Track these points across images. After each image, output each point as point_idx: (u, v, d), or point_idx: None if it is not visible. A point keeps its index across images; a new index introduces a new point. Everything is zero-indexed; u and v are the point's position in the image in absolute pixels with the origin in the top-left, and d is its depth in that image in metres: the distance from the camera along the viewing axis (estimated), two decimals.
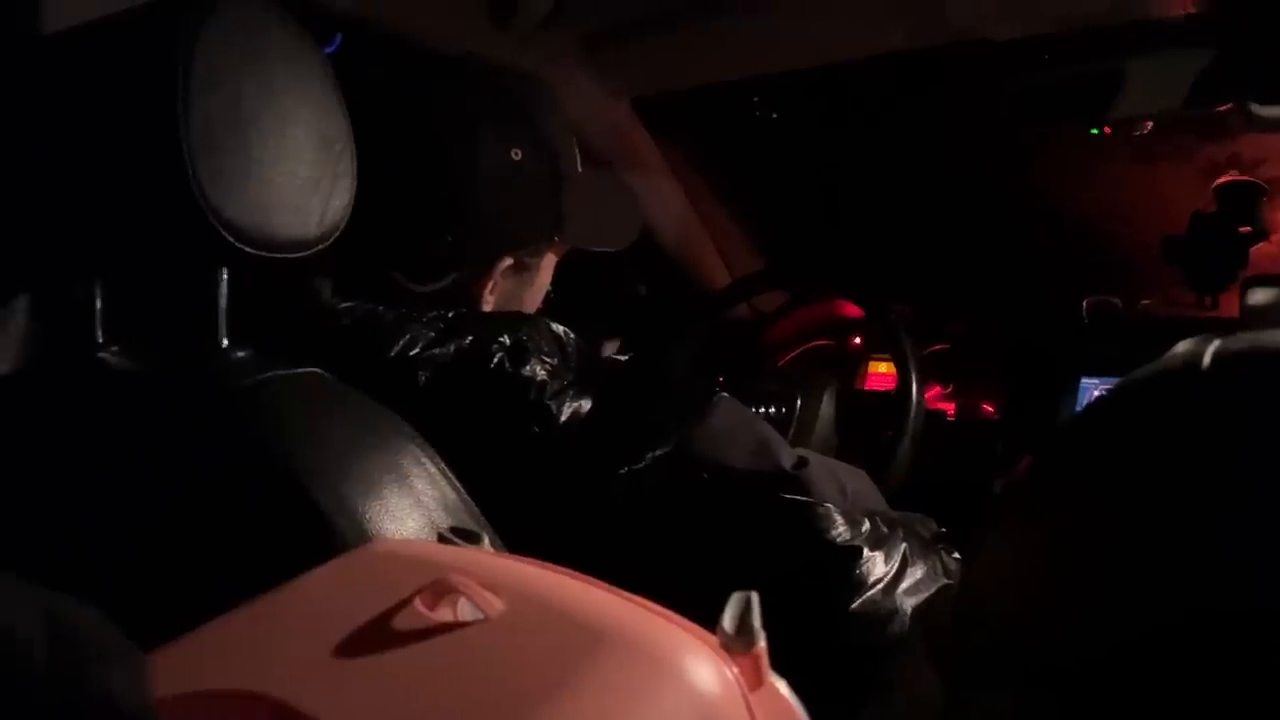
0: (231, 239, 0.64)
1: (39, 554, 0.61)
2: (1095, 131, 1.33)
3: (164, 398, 0.67)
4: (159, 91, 0.61)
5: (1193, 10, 1.14)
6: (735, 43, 1.37)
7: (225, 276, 0.70)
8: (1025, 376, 1.59)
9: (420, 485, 0.65)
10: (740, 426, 0.80)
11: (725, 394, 0.82)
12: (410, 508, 0.63)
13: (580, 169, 1.02)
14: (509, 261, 0.97)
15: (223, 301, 0.69)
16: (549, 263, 1.02)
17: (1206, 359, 0.39)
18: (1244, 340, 0.39)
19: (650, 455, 0.76)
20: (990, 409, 1.62)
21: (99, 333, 0.73)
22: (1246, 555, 0.36)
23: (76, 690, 0.26)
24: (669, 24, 1.34)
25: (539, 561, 0.45)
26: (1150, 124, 1.30)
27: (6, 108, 0.76)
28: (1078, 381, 1.52)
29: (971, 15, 1.11)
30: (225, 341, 0.69)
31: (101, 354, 0.72)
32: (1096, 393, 1.51)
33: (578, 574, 0.44)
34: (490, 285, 0.96)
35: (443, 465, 0.67)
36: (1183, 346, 0.41)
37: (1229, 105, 1.23)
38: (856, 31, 1.26)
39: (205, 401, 0.65)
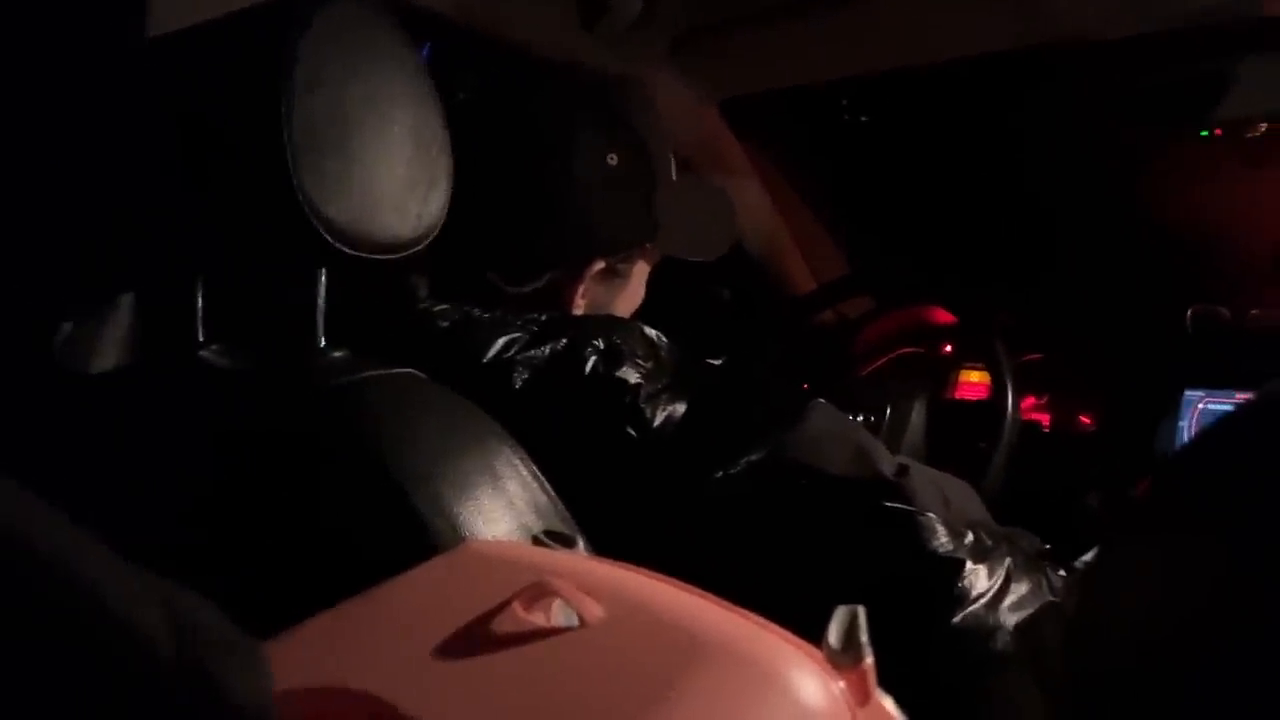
0: (331, 239, 0.65)
1: (144, 547, 0.63)
2: (1205, 134, 1.27)
3: (262, 396, 0.68)
4: (263, 91, 0.62)
5: None
6: (828, 42, 1.35)
7: (324, 276, 0.70)
8: (1125, 388, 1.54)
9: (513, 487, 0.64)
10: (838, 432, 0.78)
11: (821, 399, 0.80)
12: (503, 510, 0.63)
13: (675, 176, 1.02)
14: (601, 265, 0.97)
15: (321, 301, 0.70)
16: (641, 270, 1.01)
17: None
18: None
19: (745, 460, 0.75)
20: (1088, 421, 1.57)
21: (200, 331, 0.75)
22: None
23: (202, 684, 0.26)
24: (759, 23, 1.33)
25: (635, 567, 0.44)
26: (1264, 126, 1.24)
27: (116, 109, 0.78)
28: (1181, 394, 1.46)
29: (1081, 13, 1.07)
30: (323, 341, 0.69)
31: (203, 352, 0.74)
32: (1201, 406, 1.44)
33: (674, 580, 0.43)
34: (582, 289, 0.96)
35: (535, 468, 0.67)
36: None
37: None
38: (957, 30, 1.22)
39: (302, 400, 0.66)
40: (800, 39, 1.32)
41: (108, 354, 0.83)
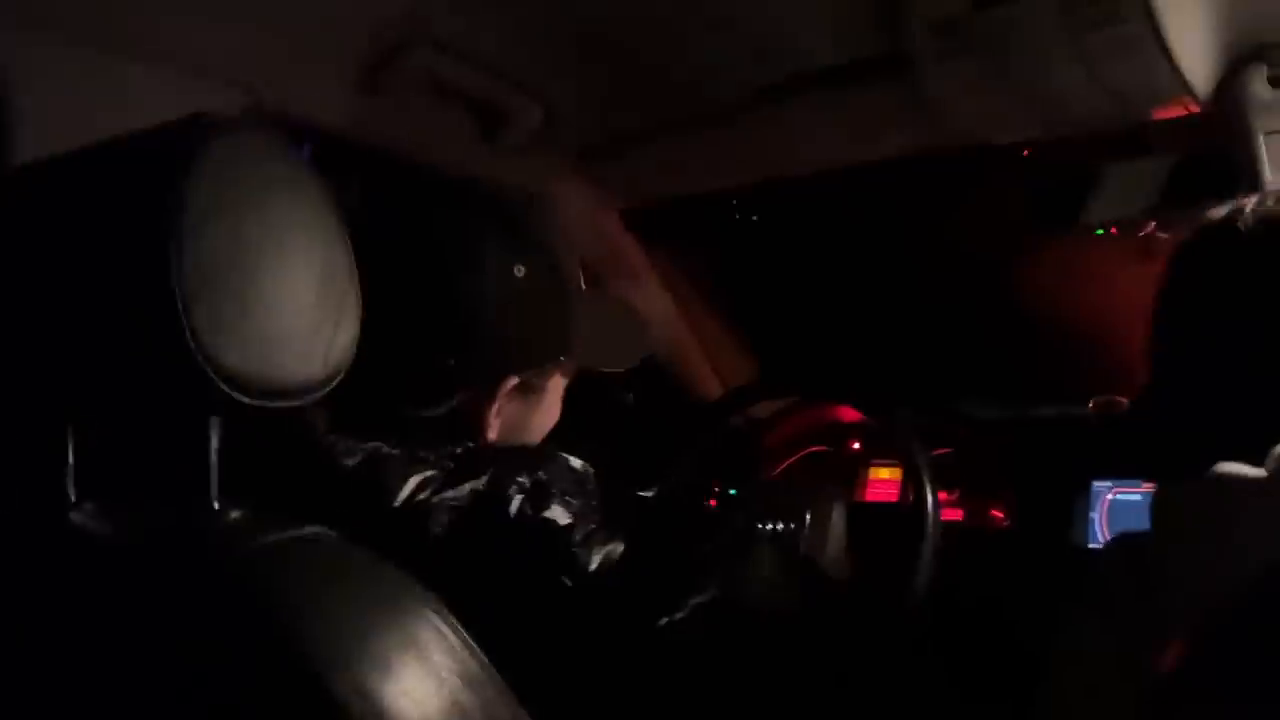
0: (228, 388, 0.58)
1: None
2: (1100, 232, 1.31)
3: (146, 568, 0.60)
4: (150, 227, 0.56)
5: (1187, 112, 1.13)
6: (724, 153, 1.36)
7: (218, 427, 0.63)
8: (1034, 481, 1.54)
9: (440, 659, 0.58)
10: (780, 571, 0.73)
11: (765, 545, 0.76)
12: (432, 687, 0.56)
13: (584, 287, 0.98)
14: (514, 382, 0.92)
15: (214, 455, 0.62)
16: (556, 384, 0.97)
17: None
18: None
19: (690, 604, 0.69)
20: (1000, 515, 1.57)
21: (71, 488, 0.66)
22: None
23: None
24: (656, 137, 1.32)
25: None
26: (1153, 224, 1.28)
27: None
28: (1089, 484, 1.48)
29: (972, 120, 1.09)
30: (217, 501, 0.62)
31: (74, 514, 0.65)
32: (1110, 497, 1.46)
33: None
34: (496, 408, 0.91)
35: (463, 634, 0.60)
36: None
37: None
38: (850, 139, 1.24)
39: (195, 574, 0.58)
40: (697, 151, 1.33)
41: None
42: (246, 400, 0.59)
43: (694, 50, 1.13)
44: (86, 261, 0.62)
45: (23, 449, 0.76)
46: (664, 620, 0.69)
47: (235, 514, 0.62)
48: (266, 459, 0.76)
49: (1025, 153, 1.40)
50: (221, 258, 0.57)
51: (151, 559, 0.60)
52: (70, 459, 0.67)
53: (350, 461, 0.78)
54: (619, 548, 0.73)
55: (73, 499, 0.66)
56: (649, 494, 0.92)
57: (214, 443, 0.63)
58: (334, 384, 0.65)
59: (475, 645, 0.62)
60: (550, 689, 0.59)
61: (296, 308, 0.61)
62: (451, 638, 0.60)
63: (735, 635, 0.70)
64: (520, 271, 0.91)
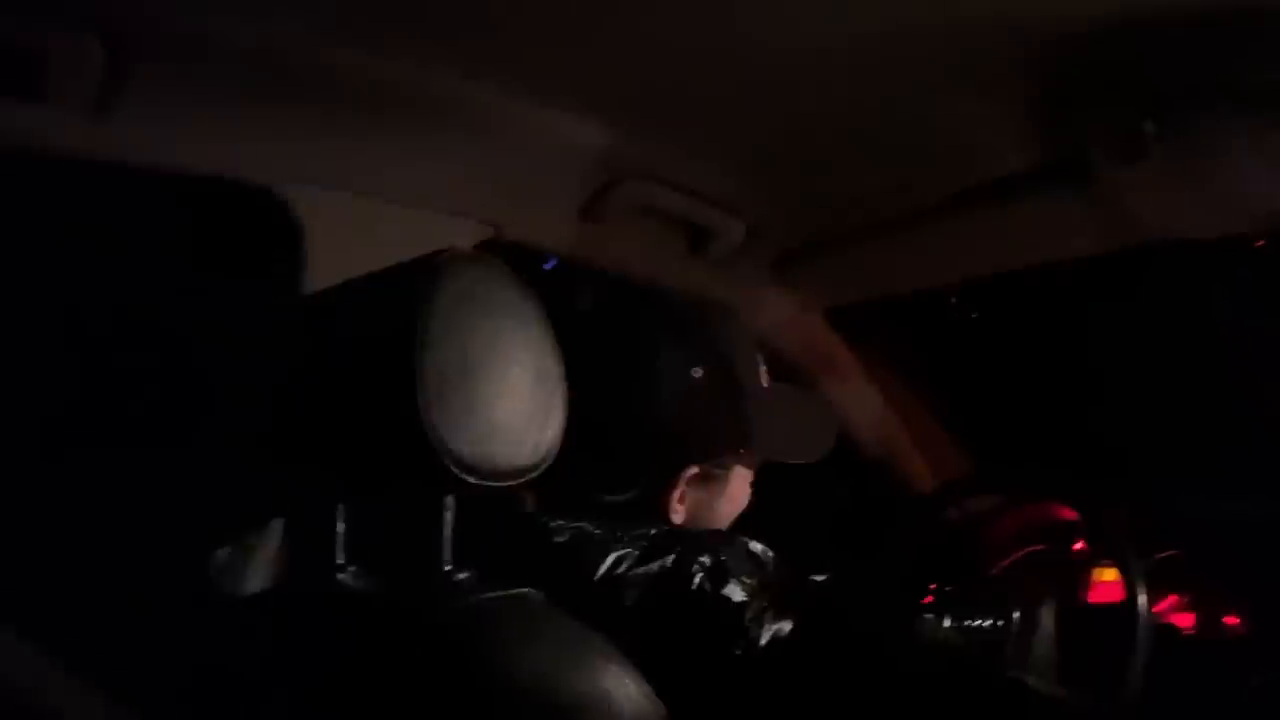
0: (457, 470, 0.71)
1: None
2: None
3: (392, 617, 0.73)
4: (398, 347, 0.70)
5: None
6: (924, 253, 1.40)
7: (451, 504, 0.76)
8: (1273, 584, 1.45)
9: (625, 708, 0.67)
10: (947, 649, 0.78)
11: (930, 614, 0.80)
12: None
13: (766, 383, 1.07)
14: (694, 471, 1.01)
15: (448, 528, 0.76)
16: (740, 474, 1.05)
17: None
18: None
19: (854, 680, 0.75)
20: (1234, 621, 1.48)
21: (340, 555, 0.81)
22: None
23: None
24: (855, 240, 1.40)
25: None
26: None
27: (274, 360, 0.88)
28: None
29: (1165, 219, 1.10)
30: (449, 564, 0.75)
31: (341, 575, 0.80)
32: None
33: None
34: (678, 494, 1.01)
35: (647, 688, 0.69)
36: None
37: None
38: (1045, 242, 1.27)
39: (426, 621, 0.71)
40: (897, 254, 1.39)
41: (257, 577, 0.90)
42: (473, 480, 0.72)
43: (883, 162, 1.21)
44: (354, 373, 0.78)
45: (305, 525, 0.93)
46: (827, 693, 0.75)
47: (462, 575, 0.74)
48: (489, 533, 0.89)
49: (1257, 244, 1.38)
50: (454, 367, 0.71)
51: (396, 610, 0.73)
52: (340, 531, 0.82)
53: (560, 539, 0.90)
54: (788, 625, 0.80)
55: (341, 563, 0.81)
56: (822, 578, 0.98)
57: (448, 517, 0.76)
58: (544, 468, 0.77)
59: (658, 700, 0.71)
60: None
61: (513, 405, 0.74)
62: (634, 690, 0.69)
63: (895, 709, 0.74)
64: (697, 373, 1.01)
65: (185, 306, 1.12)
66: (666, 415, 1.00)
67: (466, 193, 1.16)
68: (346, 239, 1.06)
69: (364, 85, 0.98)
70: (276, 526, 0.95)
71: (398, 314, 0.72)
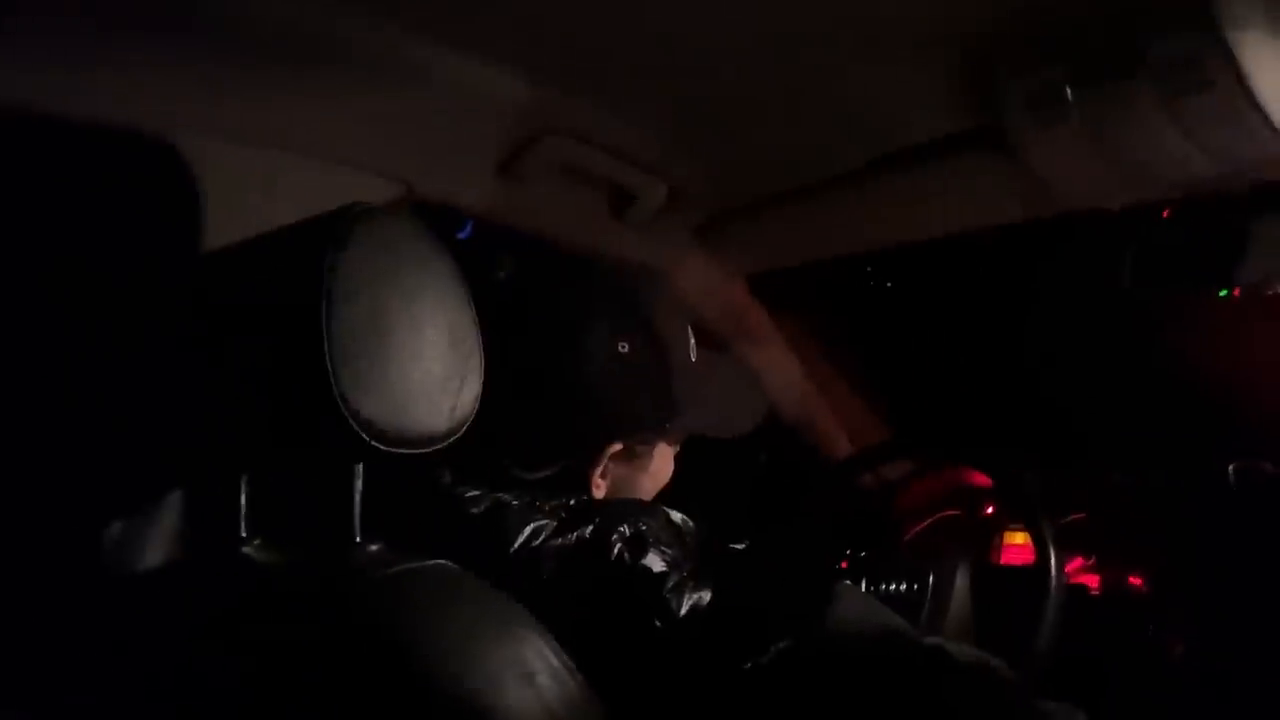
0: (368, 437, 0.67)
1: None
2: (1224, 294, 1.29)
3: (299, 590, 0.70)
4: (304, 305, 0.67)
5: None
6: (845, 221, 1.40)
7: (360, 472, 0.73)
8: (1173, 547, 1.50)
9: (544, 680, 0.65)
10: (866, 616, 0.77)
11: (848, 582, 0.80)
12: (533, 703, 0.63)
13: (694, 355, 1.05)
14: (617, 447, 0.99)
15: (358, 496, 0.72)
16: (663, 451, 1.03)
17: None
18: None
19: (774, 649, 0.74)
20: (1138, 582, 1.52)
21: (243, 527, 0.77)
22: None
23: None
24: (777, 207, 1.39)
25: None
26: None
27: (168, 317, 0.83)
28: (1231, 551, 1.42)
29: (1076, 189, 1.11)
30: (359, 535, 0.72)
31: (245, 549, 0.76)
32: None
33: None
34: (600, 470, 0.98)
35: (567, 659, 0.67)
36: None
37: None
38: (964, 207, 1.27)
39: (335, 594, 0.67)
40: (818, 220, 1.38)
41: (155, 553, 0.85)
42: (383, 447, 0.68)
43: (804, 128, 1.19)
44: (256, 335, 0.73)
45: (204, 496, 0.89)
46: (748, 664, 0.74)
47: (373, 547, 0.71)
48: (403, 505, 0.86)
49: (1164, 213, 1.40)
50: (364, 326, 0.67)
51: (303, 583, 0.70)
52: (243, 503, 0.78)
53: (476, 510, 0.87)
54: (707, 595, 0.79)
55: (244, 535, 0.77)
56: (741, 546, 0.97)
57: (358, 486, 0.73)
58: (459, 435, 0.74)
59: (578, 672, 0.69)
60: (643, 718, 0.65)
61: (427, 366, 0.71)
62: (555, 661, 0.67)
63: (815, 679, 0.74)
64: (624, 347, 0.97)
65: (72, 265, 1.05)
66: (591, 390, 0.97)
67: (375, 146, 1.10)
68: (248, 195, 1.01)
69: (267, 30, 0.92)
70: (174, 499, 0.90)
71: (303, 272, 0.68)
